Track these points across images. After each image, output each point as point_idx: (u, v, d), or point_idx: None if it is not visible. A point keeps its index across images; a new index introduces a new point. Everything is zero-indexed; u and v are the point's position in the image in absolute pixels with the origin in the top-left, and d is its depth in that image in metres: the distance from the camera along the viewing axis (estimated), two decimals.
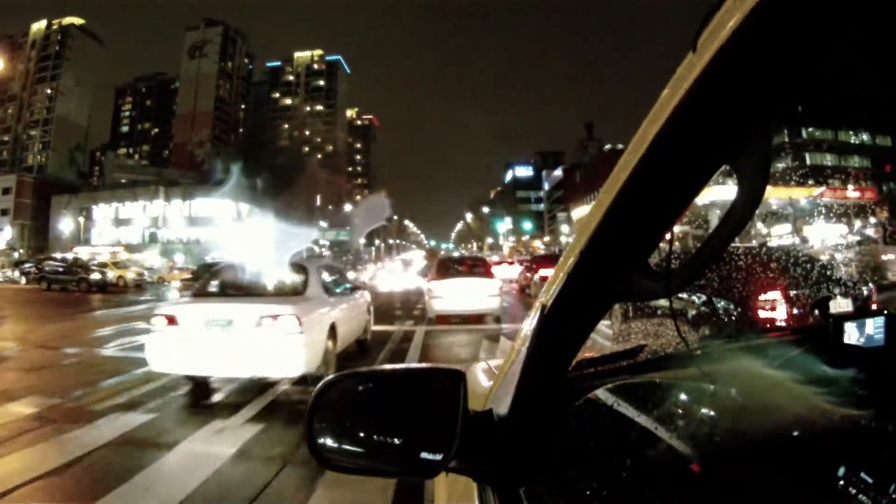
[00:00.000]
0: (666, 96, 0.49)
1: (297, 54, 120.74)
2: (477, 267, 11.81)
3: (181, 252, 52.22)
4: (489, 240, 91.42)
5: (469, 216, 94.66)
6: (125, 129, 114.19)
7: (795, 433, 0.65)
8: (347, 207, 64.97)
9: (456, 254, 64.63)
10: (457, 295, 10.29)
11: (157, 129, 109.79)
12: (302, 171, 67.00)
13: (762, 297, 4.36)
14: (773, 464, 0.61)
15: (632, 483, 0.69)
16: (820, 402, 0.68)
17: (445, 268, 11.67)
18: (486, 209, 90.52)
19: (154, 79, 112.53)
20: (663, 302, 0.64)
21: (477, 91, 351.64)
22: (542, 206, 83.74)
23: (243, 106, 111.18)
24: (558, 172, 77.65)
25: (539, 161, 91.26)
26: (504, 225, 77.62)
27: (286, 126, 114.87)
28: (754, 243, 8.87)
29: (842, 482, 0.58)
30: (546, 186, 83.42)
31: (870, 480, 0.57)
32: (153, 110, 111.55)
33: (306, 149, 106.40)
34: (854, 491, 0.57)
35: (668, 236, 0.58)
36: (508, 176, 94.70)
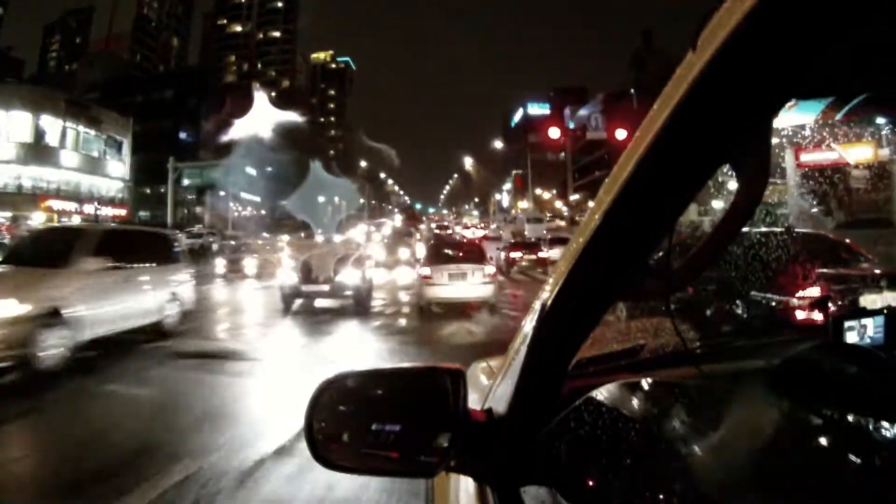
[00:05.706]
0: (666, 95, 0.48)
1: None
2: (471, 252, 11.67)
3: None
4: (496, 196, 68.86)
5: (469, 162, 70.35)
6: (52, 72, 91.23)
7: (795, 433, 0.65)
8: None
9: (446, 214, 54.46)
10: (450, 281, 10.18)
11: None
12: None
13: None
14: (772, 464, 0.60)
15: (632, 483, 0.68)
16: (819, 402, 0.68)
17: (438, 253, 11.45)
18: (499, 144, 65.38)
19: (85, 12, 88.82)
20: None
21: (473, 29, 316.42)
22: (562, 156, 62.54)
23: (177, 37, 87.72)
24: (588, 109, 56.27)
25: (557, 100, 69.74)
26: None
27: (233, 58, 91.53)
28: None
29: (842, 482, 0.58)
30: (571, 127, 62.12)
31: (870, 480, 0.57)
32: (82, 48, 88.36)
33: (257, 84, 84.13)
34: (854, 490, 0.56)
35: (668, 236, 0.57)
36: (517, 116, 72.99)
